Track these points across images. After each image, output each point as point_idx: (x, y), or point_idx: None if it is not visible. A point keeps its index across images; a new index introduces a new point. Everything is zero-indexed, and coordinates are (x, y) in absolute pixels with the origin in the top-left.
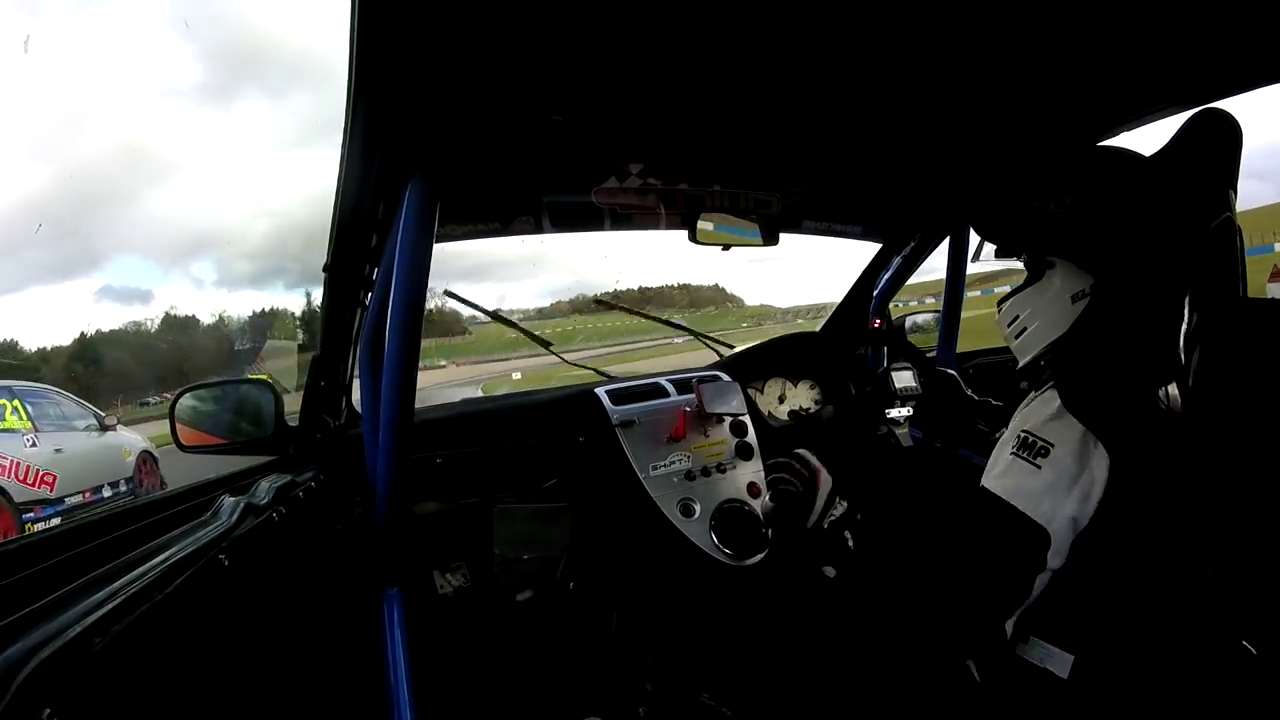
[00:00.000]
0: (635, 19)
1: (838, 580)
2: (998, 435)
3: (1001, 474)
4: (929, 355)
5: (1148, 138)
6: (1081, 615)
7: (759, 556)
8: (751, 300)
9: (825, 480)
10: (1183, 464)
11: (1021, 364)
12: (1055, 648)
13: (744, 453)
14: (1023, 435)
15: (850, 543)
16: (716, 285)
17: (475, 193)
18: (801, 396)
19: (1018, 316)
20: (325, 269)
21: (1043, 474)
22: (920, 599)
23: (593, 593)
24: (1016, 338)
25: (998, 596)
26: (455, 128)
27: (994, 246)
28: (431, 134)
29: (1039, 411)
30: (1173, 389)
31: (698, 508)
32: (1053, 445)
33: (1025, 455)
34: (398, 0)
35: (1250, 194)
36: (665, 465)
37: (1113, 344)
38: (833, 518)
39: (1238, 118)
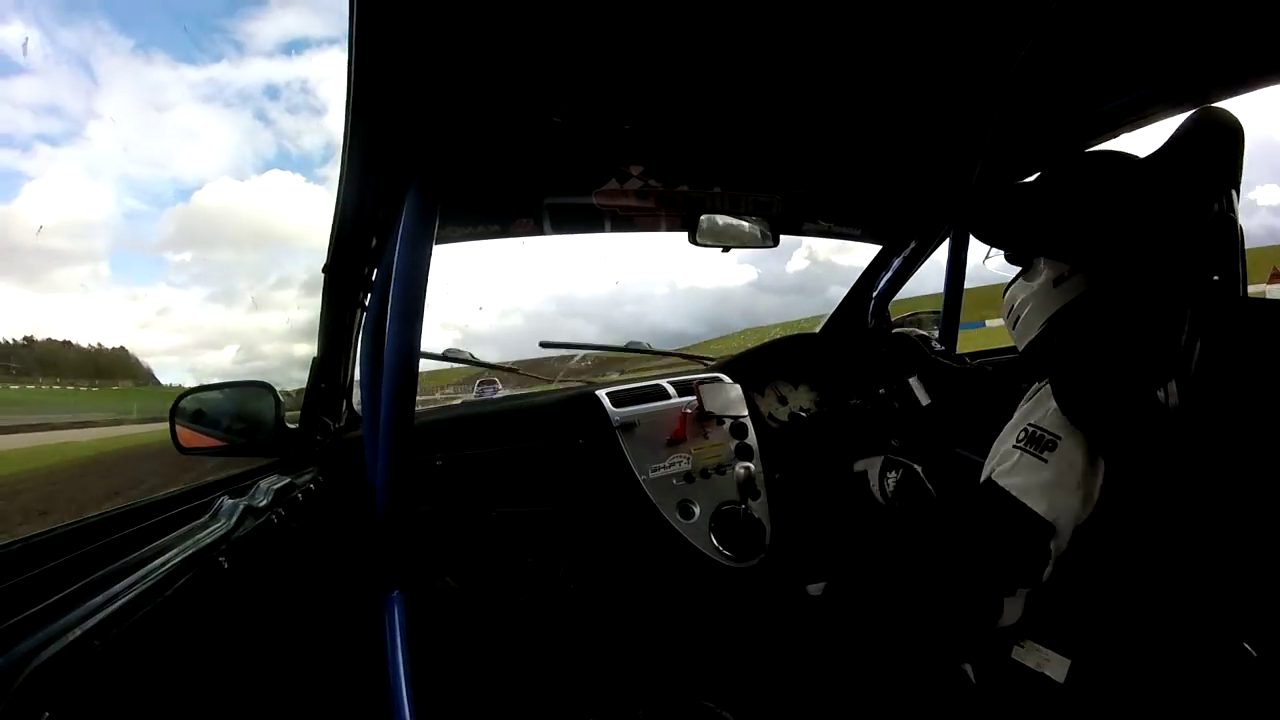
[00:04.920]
0: (634, 20)
1: (823, 597)
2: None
3: (1010, 470)
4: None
5: (1148, 138)
6: (1078, 618)
7: (758, 558)
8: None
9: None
10: (1182, 465)
11: (1021, 349)
12: (1052, 652)
13: (744, 454)
14: (1029, 428)
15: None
16: None
17: (476, 194)
18: (802, 398)
19: (1012, 306)
20: (325, 270)
21: (1049, 467)
22: (929, 599)
23: (593, 595)
24: (1014, 326)
25: (1007, 592)
26: (455, 130)
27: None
28: (431, 137)
29: (1045, 404)
30: (1172, 388)
31: (697, 509)
32: (1060, 438)
33: (1032, 449)
34: (396, 5)
35: None
36: (665, 467)
37: (1108, 347)
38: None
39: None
